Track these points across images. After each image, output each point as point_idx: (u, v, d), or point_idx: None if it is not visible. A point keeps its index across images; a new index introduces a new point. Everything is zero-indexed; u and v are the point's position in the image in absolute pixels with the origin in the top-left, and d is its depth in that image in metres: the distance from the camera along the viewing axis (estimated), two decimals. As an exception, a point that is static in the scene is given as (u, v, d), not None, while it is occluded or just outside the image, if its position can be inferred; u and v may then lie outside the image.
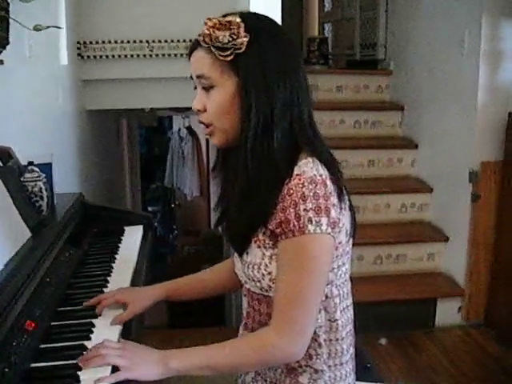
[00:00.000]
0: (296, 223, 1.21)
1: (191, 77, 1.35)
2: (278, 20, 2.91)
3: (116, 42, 3.81)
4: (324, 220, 1.21)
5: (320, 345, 1.34)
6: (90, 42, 3.78)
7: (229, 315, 6.14)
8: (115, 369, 1.19)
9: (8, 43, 2.10)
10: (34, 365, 1.21)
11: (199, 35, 1.28)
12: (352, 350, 1.43)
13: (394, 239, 4.06)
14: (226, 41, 1.24)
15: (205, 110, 1.33)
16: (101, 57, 3.81)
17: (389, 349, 3.48)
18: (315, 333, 1.32)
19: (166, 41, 3.84)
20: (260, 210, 1.27)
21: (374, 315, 3.55)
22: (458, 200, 3.85)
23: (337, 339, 1.36)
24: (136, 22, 3.81)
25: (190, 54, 1.34)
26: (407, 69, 4.81)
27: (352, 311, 1.43)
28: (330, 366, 1.37)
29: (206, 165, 9.06)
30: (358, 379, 1.49)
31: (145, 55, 3.85)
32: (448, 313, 3.80)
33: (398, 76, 5.05)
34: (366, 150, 4.52)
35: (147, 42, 3.84)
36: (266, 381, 1.40)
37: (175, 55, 3.85)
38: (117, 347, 1.25)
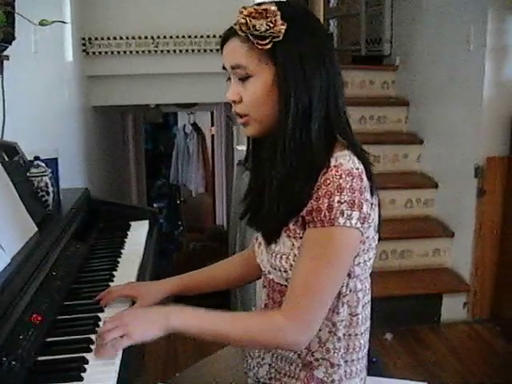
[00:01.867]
0: (327, 214, 1.20)
1: (224, 67, 1.34)
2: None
3: (121, 38, 3.82)
4: (355, 214, 1.20)
5: (339, 339, 1.33)
6: (96, 38, 3.78)
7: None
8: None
9: (14, 39, 2.10)
10: (40, 358, 1.21)
11: (235, 24, 1.26)
12: (367, 347, 1.42)
13: (400, 235, 4.05)
14: (264, 29, 1.22)
15: (240, 101, 1.31)
16: (106, 53, 3.82)
17: (394, 344, 3.47)
18: (335, 326, 1.32)
19: (171, 37, 3.84)
20: (296, 199, 1.25)
21: (379, 310, 3.50)
22: (464, 195, 3.84)
23: (356, 334, 1.36)
24: (141, 18, 3.82)
25: (222, 45, 1.32)
26: (413, 64, 4.79)
27: (370, 309, 1.42)
28: (346, 361, 1.36)
29: (211, 161, 9.07)
30: (364, 374, 1.50)
31: (150, 51, 3.86)
32: (453, 308, 3.80)
33: (403, 71, 5.03)
34: (371, 145, 4.48)
35: (152, 38, 3.84)
36: (280, 373, 1.40)
37: (180, 51, 3.85)
38: (111, 321, 1.25)
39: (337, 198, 1.19)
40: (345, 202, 1.19)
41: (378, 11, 5.52)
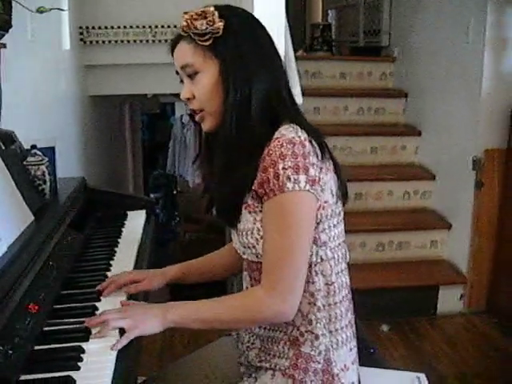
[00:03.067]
0: (275, 182, 1.26)
1: (176, 72, 1.45)
2: (282, 6, 2.90)
3: (119, 27, 3.79)
4: (302, 177, 1.26)
5: (319, 309, 1.37)
6: (93, 27, 3.75)
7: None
8: (122, 332, 1.25)
9: (11, 26, 2.08)
10: (37, 347, 1.21)
11: (179, 28, 1.39)
12: (350, 316, 1.46)
13: (397, 226, 4.06)
14: (204, 27, 1.34)
15: (193, 98, 1.41)
16: (103, 42, 3.79)
17: (391, 335, 3.48)
18: (313, 297, 1.37)
19: (168, 26, 3.81)
20: (243, 173, 1.33)
21: (376, 302, 3.55)
22: (462, 188, 3.84)
23: (335, 303, 1.40)
24: (139, 7, 3.79)
25: (172, 50, 1.43)
26: (411, 56, 4.79)
27: (348, 277, 1.46)
28: (330, 331, 1.40)
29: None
30: (361, 364, 1.50)
31: (148, 40, 3.83)
32: (450, 300, 3.80)
33: (401, 63, 5.03)
34: (369, 136, 4.51)
35: (150, 27, 3.81)
36: (269, 355, 1.43)
37: (178, 41, 3.83)
38: (118, 311, 1.33)
39: (281, 166, 1.26)
40: (289, 167, 1.25)
41: (376, 2, 5.52)
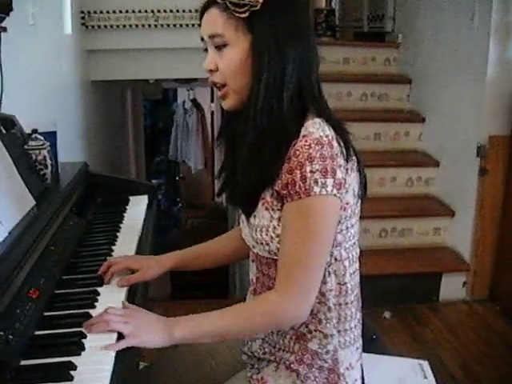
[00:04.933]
0: (302, 185, 1.21)
1: (202, 38, 1.35)
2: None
3: (121, 11, 3.77)
4: (330, 181, 1.21)
5: (330, 309, 1.34)
6: (95, 12, 3.73)
7: (232, 288, 6.17)
8: (120, 336, 1.19)
9: (11, 9, 2.06)
10: (38, 332, 1.20)
11: (181, 12, 1.28)
12: (359, 315, 1.44)
13: (400, 213, 4.04)
14: None
15: (217, 70, 1.33)
16: (105, 26, 3.77)
17: (393, 322, 3.48)
18: (325, 296, 1.33)
19: (171, 11, 3.79)
20: (267, 169, 1.27)
21: (378, 288, 3.54)
22: (465, 174, 3.82)
23: (346, 303, 1.36)
24: (141, -9, 3.77)
25: (201, 15, 1.34)
26: (415, 41, 4.75)
27: (358, 276, 1.43)
28: (339, 331, 1.37)
29: (210, 138, 9.03)
30: (363, 351, 1.49)
31: (150, 25, 3.81)
32: (453, 287, 3.79)
33: (405, 49, 4.99)
34: (372, 122, 4.49)
35: (152, 11, 3.79)
36: (274, 347, 1.40)
37: (181, 25, 3.80)
38: (121, 314, 1.25)
39: (308, 168, 1.20)
40: (317, 170, 1.20)
41: (380, -13, 5.47)
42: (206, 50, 1.35)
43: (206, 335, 1.29)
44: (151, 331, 1.23)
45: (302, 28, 1.32)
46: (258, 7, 1.25)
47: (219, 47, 1.31)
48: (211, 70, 1.34)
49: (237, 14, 1.26)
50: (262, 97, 1.27)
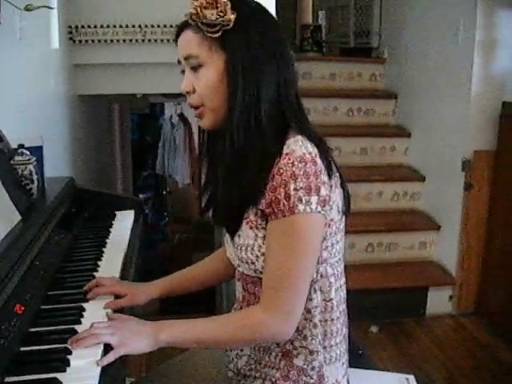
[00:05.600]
0: (286, 203, 1.21)
1: (178, 61, 1.37)
2: (272, 6, 2.89)
3: (108, 26, 3.77)
4: (314, 199, 1.21)
5: (315, 325, 1.34)
6: (82, 26, 3.73)
7: (219, 303, 6.14)
8: (107, 348, 1.19)
9: (-1, 24, 2.06)
10: (23, 348, 1.19)
11: (186, 15, 1.30)
12: (345, 331, 1.43)
13: (386, 227, 4.06)
14: (214, 18, 1.25)
15: (194, 91, 1.34)
16: (93, 41, 3.77)
17: (379, 336, 3.48)
18: (310, 313, 1.32)
19: (158, 26, 3.79)
20: (248, 188, 1.27)
21: (365, 303, 3.55)
22: (451, 189, 3.85)
23: (332, 319, 1.36)
24: (129, 6, 3.77)
25: (176, 38, 1.36)
26: (401, 57, 4.80)
27: (345, 291, 1.43)
28: (325, 347, 1.37)
29: (197, 152, 9.03)
30: (350, 366, 1.49)
31: (137, 40, 3.81)
32: (439, 301, 3.81)
33: (391, 64, 5.04)
34: (358, 137, 4.51)
35: (140, 26, 3.79)
36: (260, 364, 1.40)
37: (168, 40, 3.80)
38: (107, 325, 1.25)
39: (292, 186, 1.20)
40: (301, 188, 1.20)
41: (367, 3, 5.54)
42: (182, 71, 1.37)
43: (191, 341, 1.29)
44: (138, 337, 1.24)
45: (276, 44, 1.32)
46: (230, 26, 1.26)
47: (195, 68, 1.31)
48: (188, 92, 1.34)
49: (209, 35, 1.27)
50: (237, 115, 1.27)
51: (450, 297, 3.81)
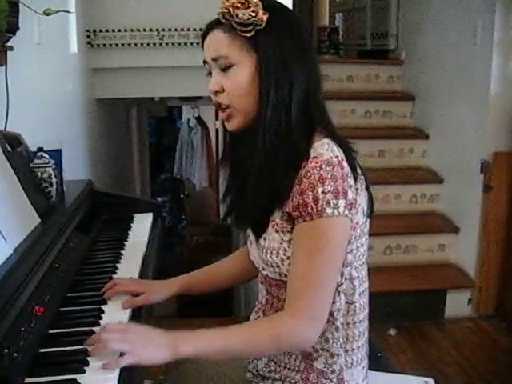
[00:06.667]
0: (314, 206, 1.20)
1: (204, 61, 1.35)
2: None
3: (126, 30, 3.79)
4: (342, 202, 1.21)
5: (337, 328, 1.33)
6: (100, 31, 3.76)
7: (237, 305, 6.15)
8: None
9: (18, 29, 2.08)
10: (42, 350, 1.20)
11: (218, 14, 1.29)
12: (367, 335, 1.42)
13: (405, 230, 4.05)
14: (246, 18, 1.25)
15: (222, 91, 1.32)
16: (110, 45, 3.80)
17: (398, 339, 3.46)
18: (333, 316, 1.31)
19: (176, 29, 3.81)
20: (278, 189, 1.26)
21: (383, 306, 3.53)
22: (470, 191, 3.82)
23: (354, 322, 1.35)
24: (146, 10, 3.79)
25: (203, 38, 1.34)
26: (419, 59, 4.78)
27: (368, 296, 1.41)
28: (346, 351, 1.36)
29: (215, 155, 9.05)
30: (369, 368, 1.48)
31: (155, 44, 3.83)
32: (458, 304, 3.78)
33: (409, 66, 5.01)
34: (376, 140, 4.50)
35: (157, 30, 3.82)
36: (279, 366, 1.39)
37: (185, 44, 3.83)
38: (119, 330, 1.21)
39: (320, 189, 1.20)
40: (329, 191, 1.20)
41: (384, 5, 5.51)
42: (210, 73, 1.35)
43: (210, 353, 1.24)
44: (152, 347, 1.18)
45: (306, 45, 1.33)
46: (263, 26, 1.25)
47: (224, 69, 1.30)
48: (217, 91, 1.33)
49: (242, 34, 1.26)
50: (270, 116, 1.26)
51: (469, 299, 3.78)
